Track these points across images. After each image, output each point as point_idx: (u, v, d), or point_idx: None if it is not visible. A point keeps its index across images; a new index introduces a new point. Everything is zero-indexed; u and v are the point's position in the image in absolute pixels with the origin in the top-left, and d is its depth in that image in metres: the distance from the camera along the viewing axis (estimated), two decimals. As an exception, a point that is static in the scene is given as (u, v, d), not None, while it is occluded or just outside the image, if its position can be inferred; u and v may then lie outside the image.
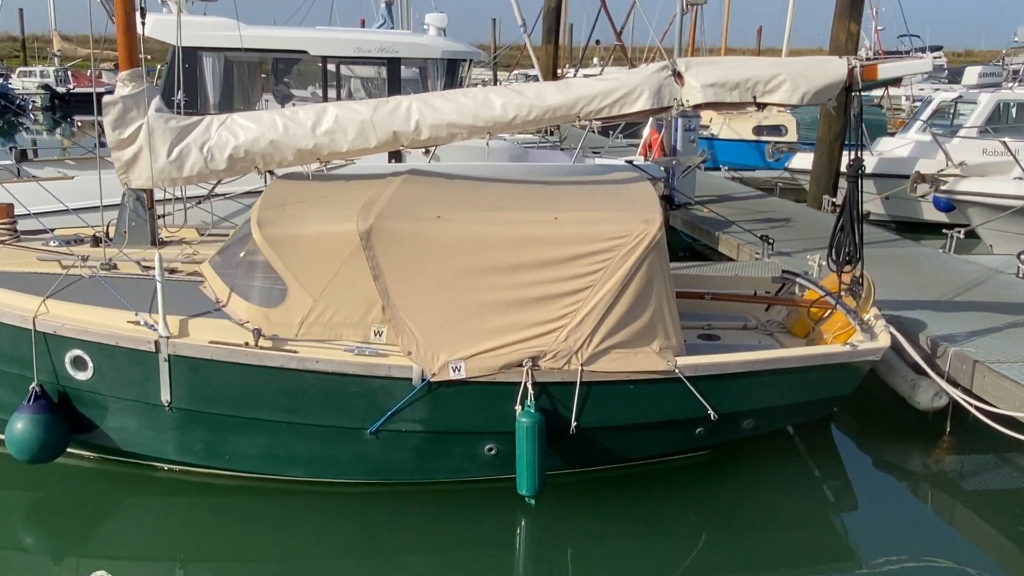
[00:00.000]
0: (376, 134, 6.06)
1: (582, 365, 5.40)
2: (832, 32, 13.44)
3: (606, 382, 5.47)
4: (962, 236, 10.19)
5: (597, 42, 37.50)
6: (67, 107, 40.76)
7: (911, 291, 8.39)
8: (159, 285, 5.27)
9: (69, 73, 45.36)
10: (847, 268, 6.05)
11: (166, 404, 5.46)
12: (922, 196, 13.39)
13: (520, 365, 5.33)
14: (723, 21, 31.14)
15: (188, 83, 9.52)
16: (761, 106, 5.84)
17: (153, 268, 5.92)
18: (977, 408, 5.78)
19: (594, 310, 5.38)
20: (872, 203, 14.74)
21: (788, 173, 16.19)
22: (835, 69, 5.67)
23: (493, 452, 5.58)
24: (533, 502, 5.49)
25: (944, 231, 11.14)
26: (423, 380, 5.29)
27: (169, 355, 5.34)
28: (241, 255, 5.63)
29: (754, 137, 21.14)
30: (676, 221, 12.87)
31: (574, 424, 5.48)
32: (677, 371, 5.51)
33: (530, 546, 5.44)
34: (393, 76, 9.81)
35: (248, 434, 5.54)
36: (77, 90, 41.78)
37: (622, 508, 5.73)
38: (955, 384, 6.38)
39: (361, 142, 6.09)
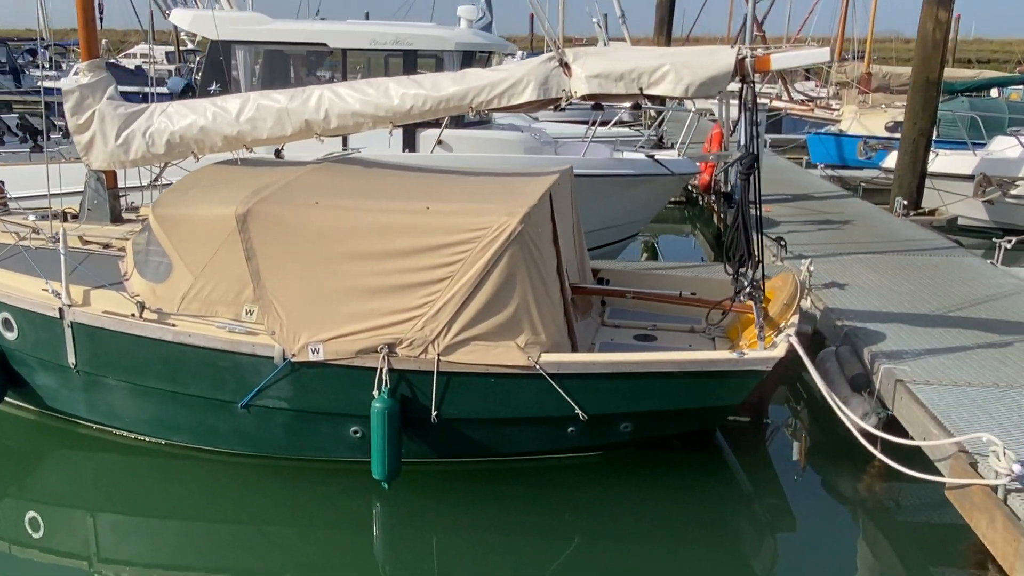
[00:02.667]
0: (291, 122, 6.30)
1: (439, 355, 5.41)
2: (920, 20, 12.37)
3: (466, 374, 5.44)
4: (1010, 246, 9.12)
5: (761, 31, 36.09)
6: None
7: (918, 301, 7.67)
8: (62, 257, 5.77)
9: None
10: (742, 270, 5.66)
11: (72, 366, 5.98)
12: (989, 200, 12.05)
13: (376, 351, 5.42)
14: (871, 9, 29.13)
15: (222, 74, 10.19)
16: (651, 98, 5.58)
17: (93, 242, 6.47)
18: (869, 436, 5.26)
19: (451, 301, 5.37)
20: (973, 208, 13.46)
21: (883, 172, 15.04)
22: (722, 60, 5.33)
23: (359, 435, 5.69)
24: (387, 486, 5.57)
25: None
26: (284, 359, 5.49)
27: (71, 322, 5.85)
28: (145, 234, 6.05)
29: (886, 133, 19.76)
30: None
31: (434, 413, 5.50)
32: (538, 367, 5.39)
33: (386, 529, 5.52)
34: (409, 68, 10.02)
35: (140, 399, 5.96)
36: None
37: (491, 502, 5.69)
38: (883, 404, 5.84)
39: (278, 130, 6.35)
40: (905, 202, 12.05)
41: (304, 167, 6.37)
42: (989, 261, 9.30)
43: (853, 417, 5.24)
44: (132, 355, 5.78)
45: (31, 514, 5.53)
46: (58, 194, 8.31)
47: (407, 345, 5.42)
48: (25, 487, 5.87)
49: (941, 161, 13.62)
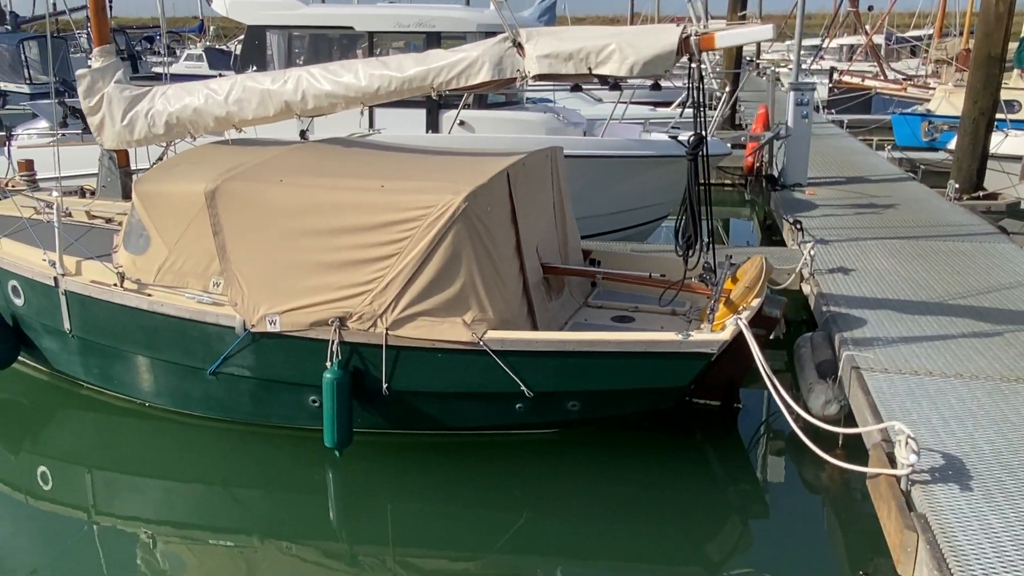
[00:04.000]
0: (273, 103, 6.58)
1: (387, 329, 5.59)
2: (983, -8, 11.69)
3: (414, 348, 5.61)
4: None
5: (870, 8, 34.39)
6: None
7: (922, 288, 7.35)
8: (56, 230, 6.24)
9: None
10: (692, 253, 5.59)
11: (68, 331, 6.46)
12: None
13: (328, 324, 5.64)
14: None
15: (258, 57, 10.63)
16: (601, 78, 5.56)
17: (98, 217, 6.95)
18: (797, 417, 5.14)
19: (398, 277, 5.53)
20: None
21: (949, 155, 14.28)
22: (665, 38, 5.26)
23: (316, 404, 5.94)
24: (338, 454, 5.81)
25: None
26: (245, 330, 5.78)
27: (64, 290, 6.32)
28: (132, 209, 6.45)
29: None
30: (773, 201, 12.04)
31: (385, 386, 5.70)
32: (482, 343, 5.50)
33: (343, 495, 5.76)
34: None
35: (124, 364, 6.39)
36: None
37: (443, 474, 5.84)
38: (844, 392, 5.69)
39: (262, 111, 6.64)
40: (957, 185, 11.44)
41: (288, 147, 6.64)
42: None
43: (792, 403, 5.14)
44: (115, 322, 6.20)
45: (41, 468, 6.02)
46: (85, 175, 8.92)
47: (357, 319, 5.62)
48: (36, 442, 6.38)
49: (1011, 143, 12.86)
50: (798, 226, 9.00)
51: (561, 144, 7.30)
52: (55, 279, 6.32)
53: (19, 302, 6.72)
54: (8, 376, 7.21)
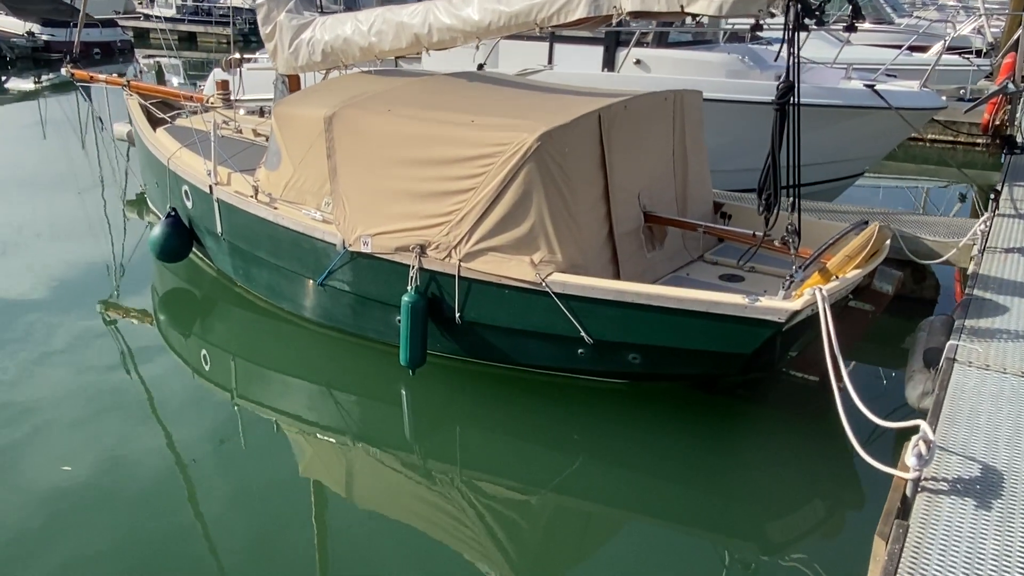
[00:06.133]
0: (405, 36, 6.87)
1: (460, 261, 5.78)
2: None
3: (483, 281, 5.76)
4: None
5: None
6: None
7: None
8: (212, 144, 7.04)
9: None
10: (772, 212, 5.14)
11: (220, 235, 7.32)
12: None
13: (410, 250, 5.94)
14: None
15: None
16: (693, 16, 5.22)
17: (261, 135, 7.75)
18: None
19: (473, 211, 5.68)
20: None
21: None
22: (757, -26, 4.81)
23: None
24: (412, 373, 6.15)
25: None
26: (344, 248, 6.24)
27: (217, 198, 7.15)
28: (275, 129, 7.09)
29: None
30: (1004, 167, 10.58)
31: (458, 315, 5.92)
32: (545, 285, 5.54)
33: (417, 412, 6.10)
34: None
35: (259, 268, 7.13)
36: None
37: (506, 406, 6.01)
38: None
39: (396, 43, 6.97)
40: None
41: (416, 79, 6.93)
42: None
43: (850, 390, 4.67)
44: (251, 230, 6.93)
45: (203, 351, 6.89)
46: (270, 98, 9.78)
47: (435, 248, 5.86)
48: (203, 327, 7.30)
49: None
50: (992, 195, 7.88)
51: (744, 88, 6.88)
52: (210, 187, 7.17)
53: (189, 205, 7.70)
54: (186, 267, 8.33)
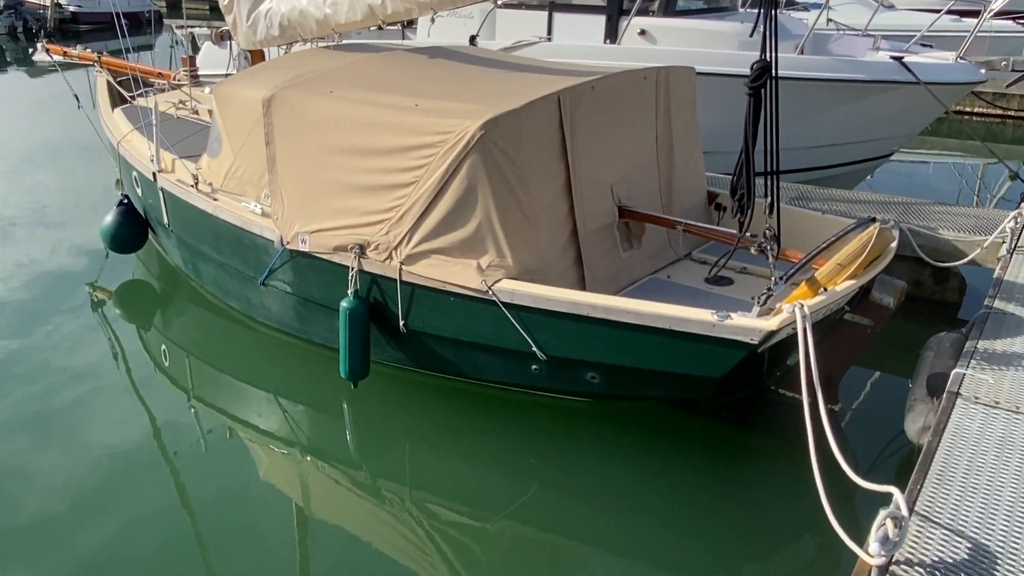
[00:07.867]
0: (359, 8, 6.23)
1: (401, 264, 5.14)
2: None
3: (428, 288, 5.12)
4: None
5: None
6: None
7: None
8: (154, 128, 6.47)
9: None
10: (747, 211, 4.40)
11: (167, 225, 6.77)
12: None
13: (349, 250, 5.31)
14: None
15: None
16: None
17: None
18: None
19: (413, 208, 5.02)
20: None
21: None
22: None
23: (347, 330, 5.70)
24: (353, 387, 5.55)
25: None
26: (282, 245, 5.64)
27: (160, 187, 6.59)
28: (221, 111, 6.48)
29: None
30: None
31: (402, 323, 5.30)
32: (491, 293, 4.87)
33: (362, 424, 5.51)
34: None
35: (205, 263, 6.58)
36: None
37: (457, 420, 5.40)
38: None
39: (352, 15, 6.33)
40: None
41: (372, 55, 6.26)
42: None
43: (827, 429, 3.94)
44: (193, 222, 6.37)
45: (163, 345, 6.42)
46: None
47: (374, 248, 5.22)
48: (162, 320, 6.84)
49: None
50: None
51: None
52: (154, 174, 6.61)
53: (139, 192, 7.16)
54: (147, 256, 7.82)
